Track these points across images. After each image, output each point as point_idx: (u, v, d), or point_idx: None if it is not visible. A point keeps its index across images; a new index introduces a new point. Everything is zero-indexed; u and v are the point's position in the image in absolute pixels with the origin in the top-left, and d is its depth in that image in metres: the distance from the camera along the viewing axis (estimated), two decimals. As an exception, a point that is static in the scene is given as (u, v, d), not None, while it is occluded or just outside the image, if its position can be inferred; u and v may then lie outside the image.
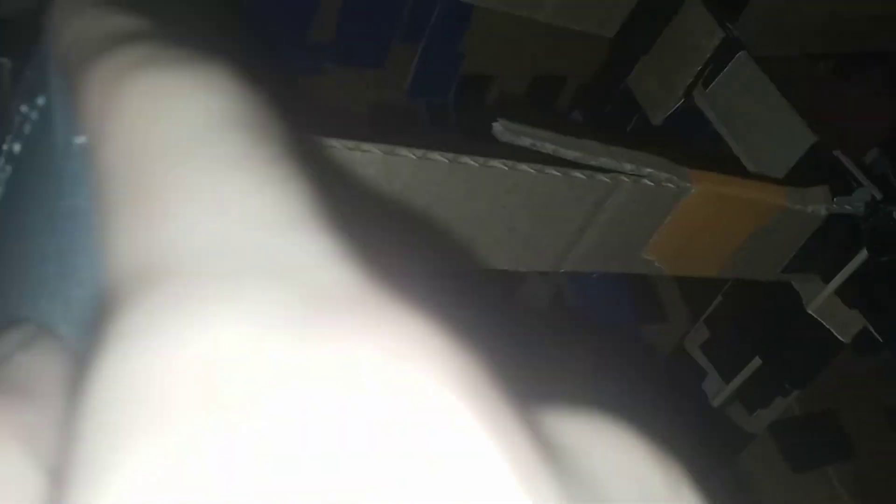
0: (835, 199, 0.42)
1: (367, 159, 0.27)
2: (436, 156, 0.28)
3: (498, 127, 0.30)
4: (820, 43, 0.56)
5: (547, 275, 0.58)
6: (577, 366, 0.35)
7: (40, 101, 0.13)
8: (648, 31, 0.49)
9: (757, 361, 0.47)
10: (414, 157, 0.28)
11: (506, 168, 0.30)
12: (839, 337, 0.44)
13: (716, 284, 0.49)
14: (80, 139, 0.11)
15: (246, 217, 0.09)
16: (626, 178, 0.33)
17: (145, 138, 0.10)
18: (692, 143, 0.66)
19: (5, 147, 0.14)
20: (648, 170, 0.34)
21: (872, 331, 0.43)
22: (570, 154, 0.32)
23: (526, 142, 0.31)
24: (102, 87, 0.11)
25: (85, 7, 0.12)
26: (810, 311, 0.45)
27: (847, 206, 0.42)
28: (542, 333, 0.52)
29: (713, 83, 0.49)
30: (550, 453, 0.09)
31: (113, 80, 0.11)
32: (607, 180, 0.33)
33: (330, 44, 0.63)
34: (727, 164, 0.46)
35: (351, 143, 0.27)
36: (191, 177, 0.09)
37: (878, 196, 0.43)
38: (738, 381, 0.48)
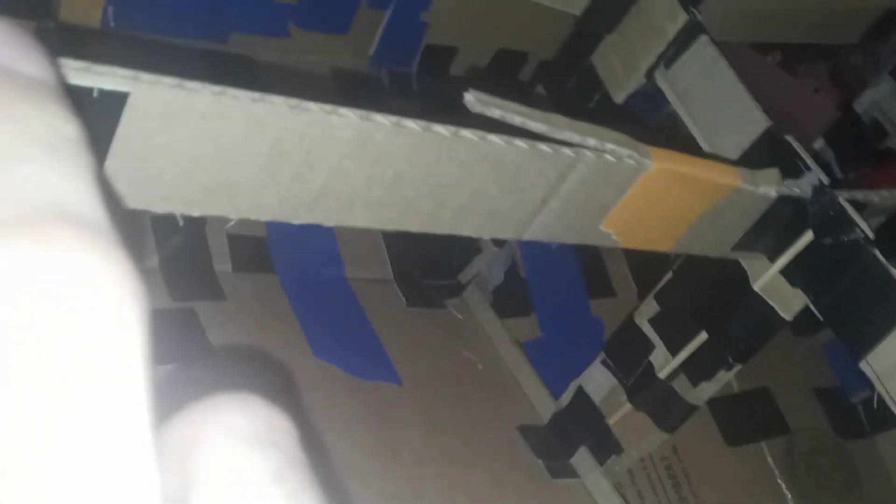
0: (784, 182, 0.43)
1: (343, 123, 0.28)
2: (409, 123, 0.29)
3: (469, 98, 0.31)
4: (772, 32, 0.58)
5: (502, 246, 0.59)
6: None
7: None
8: (614, 10, 0.50)
9: (703, 336, 0.49)
10: (388, 123, 0.29)
11: (476, 138, 0.31)
12: (782, 314, 0.46)
13: (664, 262, 0.51)
14: None
15: None
16: (589, 153, 0.35)
17: None
18: (649, 122, 0.68)
19: None
20: (611, 145, 0.35)
21: (814, 309, 0.45)
22: (536, 127, 0.33)
23: (496, 113, 0.32)
24: None
25: None
26: (756, 289, 0.47)
27: (796, 189, 0.44)
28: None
29: (674, 65, 0.51)
30: None
31: None
32: (571, 154, 0.34)
33: (296, 6, 0.63)
34: (683, 145, 0.47)
35: (328, 107, 0.27)
36: None
37: (826, 180, 0.44)
38: (683, 354, 0.50)
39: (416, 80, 0.69)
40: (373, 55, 0.67)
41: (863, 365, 0.43)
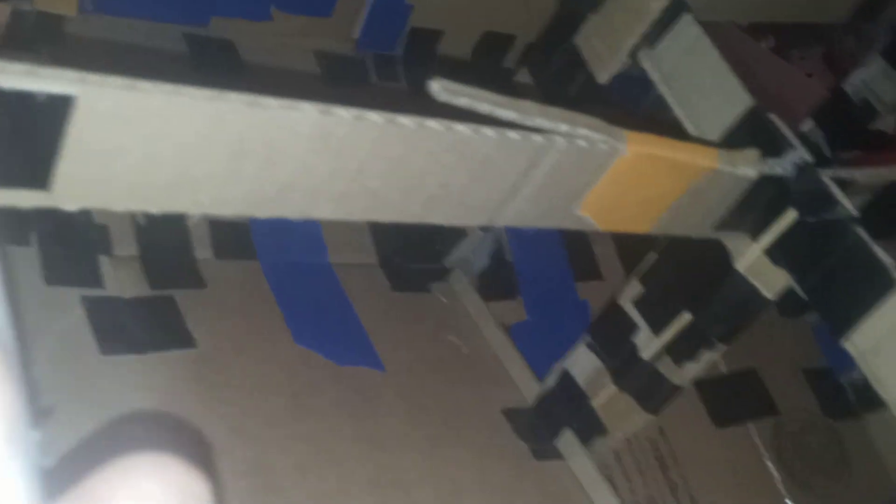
0: (766, 161, 0.43)
1: (302, 118, 0.27)
2: (371, 116, 0.29)
3: (435, 87, 0.31)
4: (759, 12, 0.57)
5: (488, 230, 0.59)
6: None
7: None
8: (597, -11, 0.49)
9: (686, 316, 0.49)
10: (349, 116, 0.28)
11: (442, 129, 0.31)
12: (765, 294, 0.46)
13: (651, 244, 0.51)
14: None
15: None
16: (560, 139, 0.34)
17: None
18: (637, 108, 0.67)
19: None
20: (583, 130, 0.35)
21: (797, 288, 0.45)
22: (505, 114, 0.33)
23: (462, 102, 0.31)
24: None
25: None
26: (739, 269, 0.46)
27: (777, 168, 0.44)
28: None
29: (658, 44, 0.50)
30: None
31: None
32: (542, 140, 0.34)
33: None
34: (663, 127, 0.47)
35: (287, 103, 0.27)
36: None
37: (809, 159, 0.44)
38: (667, 335, 0.50)
39: (402, 64, 0.68)
40: (357, 38, 0.66)
41: (846, 343, 0.43)
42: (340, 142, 0.29)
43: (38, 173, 0.24)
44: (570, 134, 0.34)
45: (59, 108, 0.23)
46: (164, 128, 0.25)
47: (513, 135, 0.33)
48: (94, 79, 0.23)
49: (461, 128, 0.31)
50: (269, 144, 0.27)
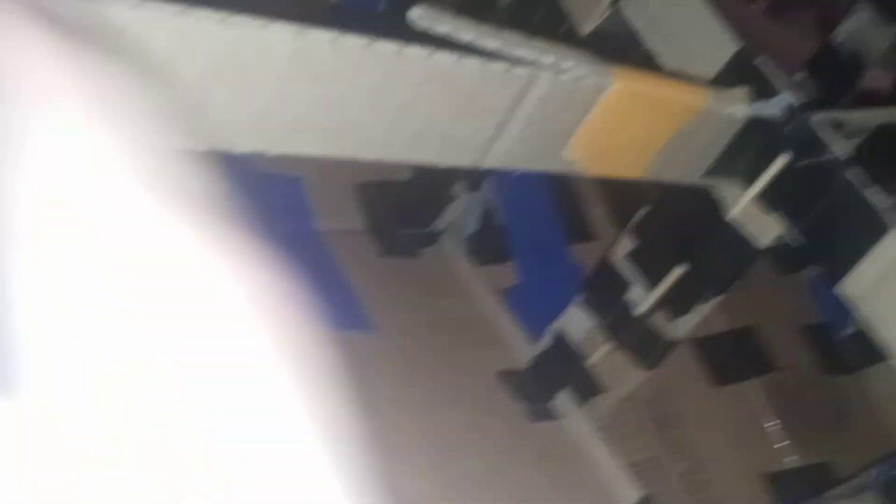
0: (754, 104, 0.42)
1: (277, 39, 0.26)
2: (349, 39, 0.28)
3: (416, 13, 0.30)
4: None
5: (477, 189, 0.58)
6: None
7: None
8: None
9: (679, 270, 0.48)
10: (326, 38, 0.27)
11: (423, 55, 0.30)
12: (756, 243, 0.45)
13: (642, 201, 0.50)
14: None
15: None
16: (545, 74, 0.33)
17: None
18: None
19: None
20: (569, 63, 0.34)
21: (791, 236, 0.44)
22: (489, 43, 0.32)
23: (444, 28, 0.30)
24: None
25: None
26: (731, 219, 0.46)
27: (766, 110, 0.43)
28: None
29: (639, -9, 0.49)
30: None
31: None
32: (526, 74, 0.33)
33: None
34: (652, 68, 0.46)
35: (260, 21, 0.26)
36: None
37: (797, 102, 0.43)
38: (660, 289, 0.49)
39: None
40: None
41: (841, 288, 0.42)
42: (318, 67, 0.28)
43: None
44: (555, 66, 0.33)
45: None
46: (127, 45, 0.24)
47: (496, 67, 0.32)
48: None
49: (442, 56, 0.30)
50: (242, 67, 0.26)
